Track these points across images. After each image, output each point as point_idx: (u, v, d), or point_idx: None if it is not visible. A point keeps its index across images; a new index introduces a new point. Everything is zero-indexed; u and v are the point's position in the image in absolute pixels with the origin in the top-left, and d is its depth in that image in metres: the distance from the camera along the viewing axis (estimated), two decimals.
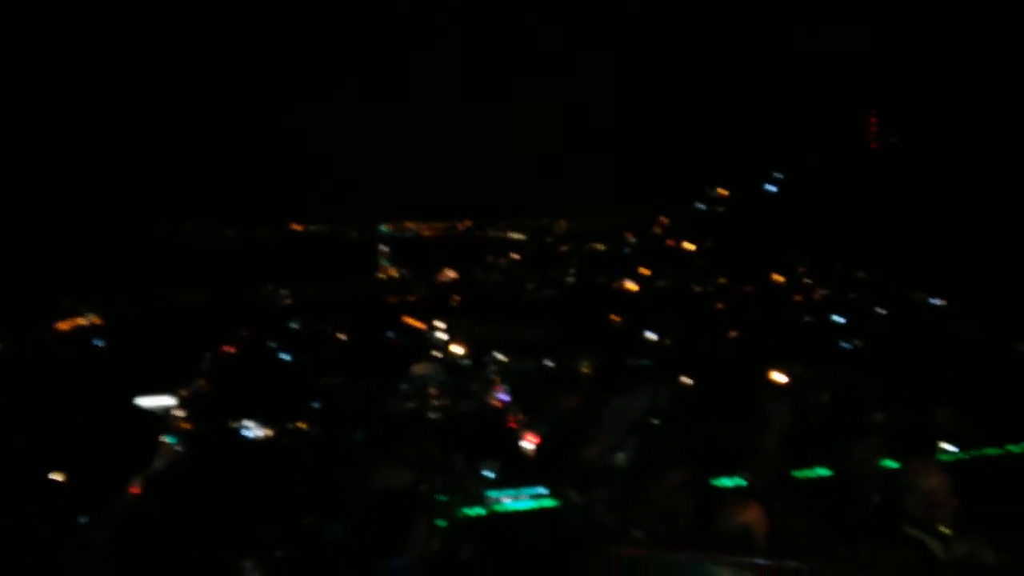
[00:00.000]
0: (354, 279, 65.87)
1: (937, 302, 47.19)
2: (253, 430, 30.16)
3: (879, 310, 46.73)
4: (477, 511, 7.18)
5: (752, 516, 3.43)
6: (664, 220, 75.62)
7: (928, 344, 35.79)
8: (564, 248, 73.53)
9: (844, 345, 40.03)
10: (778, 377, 31.26)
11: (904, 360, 32.35)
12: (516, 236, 78.64)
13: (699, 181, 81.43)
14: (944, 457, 9.70)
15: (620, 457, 6.14)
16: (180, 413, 33.82)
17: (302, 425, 30.13)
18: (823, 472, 5.07)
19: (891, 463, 4.00)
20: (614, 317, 49.56)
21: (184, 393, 35.99)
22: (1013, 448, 9.62)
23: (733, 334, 43.50)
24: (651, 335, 44.16)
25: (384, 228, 79.24)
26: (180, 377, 37.39)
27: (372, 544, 3.63)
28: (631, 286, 62.41)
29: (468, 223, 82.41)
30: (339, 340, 46.08)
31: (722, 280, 59.76)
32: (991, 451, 9.78)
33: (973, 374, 27.52)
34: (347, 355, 41.32)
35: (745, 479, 4.80)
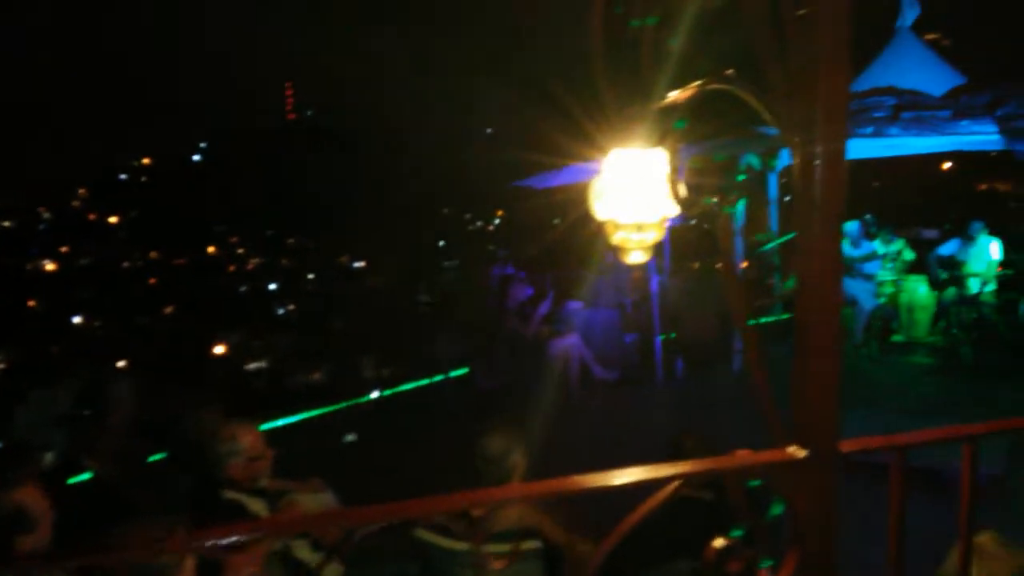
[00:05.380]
0: None
1: (359, 264, 52.22)
2: None
3: (309, 275, 49.88)
4: None
5: None
6: (83, 192, 68.96)
7: (354, 302, 39.56)
8: None
9: (279, 310, 41.98)
10: (218, 348, 31.58)
11: (335, 318, 35.33)
12: None
13: (119, 150, 76.27)
14: (366, 399, 11.25)
15: (48, 456, 5.73)
16: None
17: None
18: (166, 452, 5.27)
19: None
20: (31, 302, 44.15)
21: None
22: (424, 382, 11.48)
23: (169, 309, 42.31)
24: (77, 318, 40.58)
25: None
26: None
27: None
28: (50, 266, 55.86)
29: None
30: None
31: (153, 254, 57.18)
32: (405, 388, 11.54)
33: (389, 325, 31.30)
34: None
35: (90, 469, 4.55)
